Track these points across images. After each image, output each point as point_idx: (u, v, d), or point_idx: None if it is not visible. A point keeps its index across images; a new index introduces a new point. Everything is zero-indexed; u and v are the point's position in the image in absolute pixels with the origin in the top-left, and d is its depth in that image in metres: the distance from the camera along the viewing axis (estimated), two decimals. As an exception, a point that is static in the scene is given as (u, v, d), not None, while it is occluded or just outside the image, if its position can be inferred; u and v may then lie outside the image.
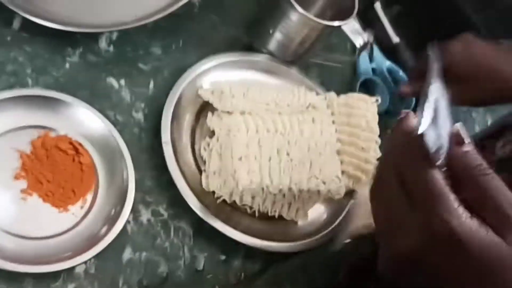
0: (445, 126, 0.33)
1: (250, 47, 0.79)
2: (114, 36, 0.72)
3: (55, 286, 0.55)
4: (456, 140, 0.32)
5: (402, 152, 0.34)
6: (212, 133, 0.69)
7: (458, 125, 0.33)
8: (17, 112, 0.61)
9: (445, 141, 0.32)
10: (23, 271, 0.52)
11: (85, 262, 0.56)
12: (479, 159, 0.32)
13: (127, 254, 0.59)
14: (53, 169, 0.59)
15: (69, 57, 0.68)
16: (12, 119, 0.60)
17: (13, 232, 0.55)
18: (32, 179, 0.58)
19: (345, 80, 0.85)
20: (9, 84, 0.63)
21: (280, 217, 0.66)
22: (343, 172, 0.67)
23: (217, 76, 0.73)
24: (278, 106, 0.70)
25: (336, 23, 0.71)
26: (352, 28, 0.70)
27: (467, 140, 0.32)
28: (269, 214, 0.66)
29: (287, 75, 0.78)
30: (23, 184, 0.58)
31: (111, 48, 0.71)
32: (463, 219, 0.31)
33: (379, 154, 0.70)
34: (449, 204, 0.31)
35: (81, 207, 0.59)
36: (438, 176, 0.32)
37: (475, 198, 0.31)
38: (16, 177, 0.58)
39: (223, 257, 0.63)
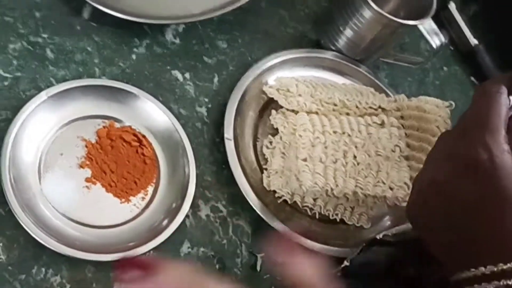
0: None
1: (318, 44, 0.77)
2: (181, 28, 0.71)
3: (113, 275, 0.55)
4: None
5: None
6: (275, 131, 0.67)
7: None
8: (85, 101, 0.61)
9: None
10: (84, 258, 0.53)
11: (145, 254, 0.55)
12: None
13: (185, 248, 0.59)
14: (116, 160, 0.59)
15: (136, 49, 0.68)
16: (79, 108, 0.61)
17: (76, 219, 0.56)
18: (96, 168, 0.59)
19: (416, 82, 0.82)
20: (78, 74, 0.64)
21: (342, 220, 0.64)
22: (411, 179, 0.64)
23: (282, 73, 0.71)
24: (346, 107, 0.67)
25: (413, 22, 0.67)
26: (428, 28, 0.66)
27: None
28: (331, 217, 0.64)
29: (355, 74, 0.75)
30: (87, 172, 0.58)
31: (177, 41, 0.71)
32: (505, 152, 0.35)
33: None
34: (497, 137, 0.35)
35: (143, 199, 0.59)
36: (502, 109, 0.37)
37: None
38: (81, 166, 0.58)
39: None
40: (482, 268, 0.33)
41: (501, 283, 0.32)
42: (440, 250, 0.38)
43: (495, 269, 0.32)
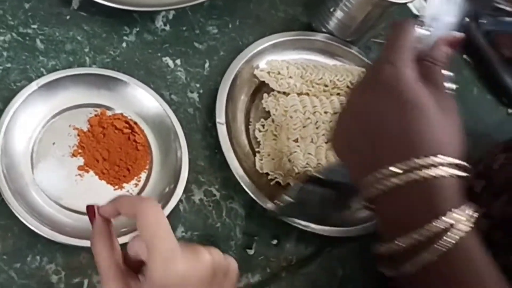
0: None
1: (308, 27, 0.77)
2: (171, 15, 0.71)
3: (109, 262, 0.56)
4: (448, 41, 0.44)
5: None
6: (267, 114, 0.67)
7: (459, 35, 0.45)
8: (76, 90, 0.61)
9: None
10: (79, 245, 0.53)
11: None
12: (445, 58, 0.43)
13: (179, 232, 0.59)
14: (108, 147, 0.60)
15: (126, 37, 0.68)
16: (70, 97, 0.61)
17: (70, 207, 0.56)
18: (88, 156, 0.59)
19: (408, 61, 0.81)
20: (68, 63, 0.64)
21: (336, 201, 0.64)
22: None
23: (273, 56, 0.71)
24: (336, 88, 0.67)
25: (403, 1, 0.67)
26: (419, 6, 0.66)
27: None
28: (324, 197, 0.64)
29: (347, 55, 0.75)
30: (80, 161, 0.59)
31: (167, 27, 0.70)
32: (408, 67, 0.39)
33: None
34: (401, 54, 0.40)
35: (136, 185, 0.59)
36: (408, 34, 0.41)
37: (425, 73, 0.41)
38: (74, 154, 0.59)
39: (275, 240, 0.62)
40: (398, 164, 0.37)
41: (413, 174, 0.36)
42: (359, 170, 0.40)
43: (411, 163, 0.36)
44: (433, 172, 0.36)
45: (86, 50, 0.65)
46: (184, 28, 0.71)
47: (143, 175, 0.60)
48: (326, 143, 0.61)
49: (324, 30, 0.75)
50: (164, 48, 0.69)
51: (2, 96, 0.59)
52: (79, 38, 0.66)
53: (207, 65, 0.70)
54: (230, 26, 0.74)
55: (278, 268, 0.60)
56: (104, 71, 0.63)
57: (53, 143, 0.59)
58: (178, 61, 0.69)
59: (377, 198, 0.38)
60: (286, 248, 0.62)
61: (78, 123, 0.60)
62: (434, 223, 0.35)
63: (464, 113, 0.79)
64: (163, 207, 0.57)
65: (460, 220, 0.35)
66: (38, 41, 0.64)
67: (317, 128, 0.62)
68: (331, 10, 0.73)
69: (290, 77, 0.65)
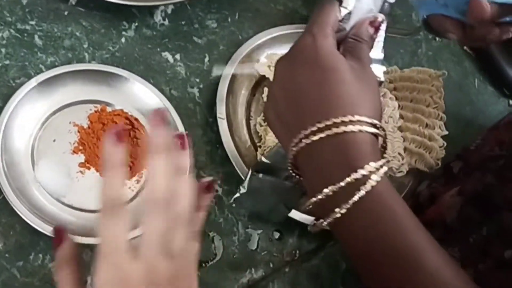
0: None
1: (308, 20, 0.76)
2: (169, 9, 0.70)
3: (111, 259, 0.55)
4: (370, 22, 0.46)
5: None
6: (268, 109, 0.67)
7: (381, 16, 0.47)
8: (75, 86, 0.61)
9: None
10: (81, 243, 0.53)
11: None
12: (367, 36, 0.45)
13: (182, 229, 0.59)
14: (109, 144, 0.59)
15: (125, 32, 0.68)
16: (70, 94, 0.61)
17: (71, 204, 0.56)
18: (89, 153, 0.59)
19: (408, 53, 0.81)
20: (67, 59, 0.63)
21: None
22: (405, 150, 0.63)
23: (273, 50, 0.71)
24: (337, 80, 0.67)
25: (400, -8, 0.66)
26: (422, -1, 0.65)
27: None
28: (327, 191, 0.64)
29: (347, 48, 0.74)
30: (80, 158, 0.58)
31: (166, 22, 0.70)
32: (327, 37, 0.42)
33: (444, 131, 0.66)
34: (322, 26, 0.43)
35: (137, 182, 0.59)
36: (330, 10, 0.44)
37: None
38: (74, 151, 0.58)
39: (277, 235, 0.62)
40: (316, 124, 0.39)
41: (330, 131, 0.39)
42: (287, 137, 0.42)
43: (328, 122, 0.39)
44: (347, 128, 0.38)
45: (85, 46, 0.65)
46: (183, 23, 0.71)
47: (145, 172, 0.60)
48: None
49: (324, 23, 0.75)
50: (164, 43, 0.68)
51: (1, 93, 0.59)
52: (77, 33, 0.65)
53: (207, 59, 0.69)
54: (229, 20, 0.73)
55: (281, 263, 0.60)
56: (103, 67, 0.62)
57: (54, 140, 0.58)
58: (177, 56, 0.68)
59: (299, 159, 0.41)
60: (289, 243, 0.62)
61: (78, 120, 0.60)
62: (351, 176, 0.37)
63: (465, 104, 0.80)
64: (165, 203, 0.57)
65: (373, 171, 0.38)
66: (36, 37, 0.63)
67: (318, 122, 0.61)
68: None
69: (291, 70, 0.65)
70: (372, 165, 0.37)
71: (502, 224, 0.44)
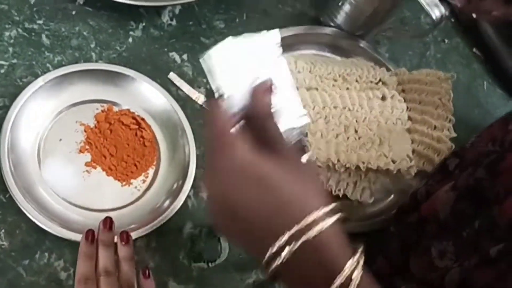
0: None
1: (317, 21, 0.76)
2: (177, 10, 0.70)
3: (117, 257, 0.55)
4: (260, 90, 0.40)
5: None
6: (275, 109, 0.66)
7: (269, 80, 0.41)
8: (82, 86, 0.61)
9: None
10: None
11: (147, 235, 0.55)
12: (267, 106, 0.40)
13: (188, 228, 0.58)
14: (116, 143, 0.59)
15: (132, 32, 0.67)
16: (77, 93, 0.61)
17: (78, 203, 0.56)
18: (96, 152, 0.58)
19: (417, 55, 0.80)
20: (74, 59, 0.63)
21: (344, 196, 0.64)
22: (413, 152, 0.63)
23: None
24: (346, 82, 0.66)
25: (409, -7, 0.66)
26: (428, 0, 0.65)
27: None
28: (333, 193, 0.63)
29: (355, 50, 0.74)
30: (87, 157, 0.58)
31: (174, 22, 0.70)
32: (238, 147, 0.38)
33: (453, 133, 0.65)
34: (228, 139, 0.38)
35: (143, 181, 0.59)
36: (223, 117, 0.39)
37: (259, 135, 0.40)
38: (81, 150, 0.58)
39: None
40: (277, 242, 0.36)
41: (297, 242, 0.35)
42: (252, 251, 0.39)
43: (291, 232, 0.35)
44: (312, 232, 0.35)
45: (92, 45, 0.65)
46: (190, 23, 0.71)
47: (151, 171, 0.60)
48: (335, 138, 0.60)
49: (332, 24, 0.74)
50: (171, 43, 0.68)
51: (8, 92, 0.59)
52: (85, 33, 0.65)
53: (214, 60, 0.69)
54: (237, 20, 0.73)
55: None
56: (110, 67, 0.62)
57: (60, 140, 0.58)
58: (184, 56, 0.68)
59: (277, 273, 0.37)
60: (296, 245, 0.61)
61: (85, 119, 0.60)
62: (336, 281, 0.35)
63: (473, 107, 0.80)
64: (171, 203, 0.57)
65: (354, 265, 0.35)
66: (44, 36, 0.63)
67: (326, 123, 0.61)
68: (340, 4, 0.72)
69: (299, 72, 0.65)
70: (350, 263, 0.35)
71: (492, 218, 0.44)
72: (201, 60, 0.41)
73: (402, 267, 0.52)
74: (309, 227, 0.35)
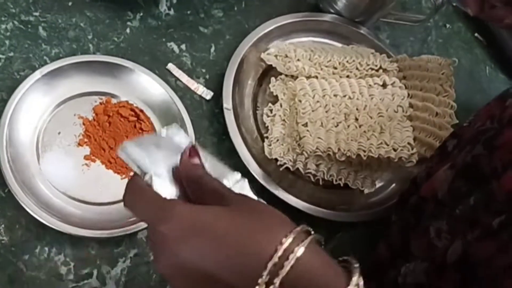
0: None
1: (316, 8, 0.75)
2: (175, -1, 0.70)
3: (118, 251, 0.55)
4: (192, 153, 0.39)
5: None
6: (275, 99, 0.66)
7: (191, 144, 0.41)
8: (80, 78, 0.60)
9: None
10: (87, 236, 0.52)
11: (147, 228, 0.55)
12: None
13: (189, 221, 0.58)
14: (115, 136, 0.59)
15: (130, 22, 0.67)
16: (74, 86, 0.60)
17: (77, 197, 0.55)
18: (94, 145, 0.58)
19: (418, 41, 0.79)
20: (71, 51, 0.63)
21: (346, 185, 0.63)
22: (415, 139, 0.62)
23: (280, 39, 0.70)
24: (346, 70, 0.66)
25: (409, -22, 0.65)
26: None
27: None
28: (334, 182, 0.63)
29: (356, 36, 0.73)
30: (86, 150, 0.58)
31: (172, 12, 0.69)
32: (187, 204, 0.35)
33: (455, 120, 0.65)
34: (174, 202, 0.36)
35: (143, 174, 0.58)
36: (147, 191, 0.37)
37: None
38: (80, 144, 0.58)
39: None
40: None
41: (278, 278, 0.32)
42: None
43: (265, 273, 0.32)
44: (289, 264, 0.31)
45: (90, 37, 0.64)
46: (188, 12, 0.70)
47: (151, 163, 0.59)
48: (336, 126, 0.60)
49: (332, 10, 0.74)
50: (169, 33, 0.68)
51: (5, 85, 0.58)
52: (82, 24, 0.65)
53: (212, 49, 0.68)
54: (235, 8, 0.72)
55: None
56: (108, 58, 0.62)
57: (59, 133, 0.58)
58: (183, 46, 0.67)
59: None
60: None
61: (83, 112, 0.59)
62: None
63: (475, 92, 0.79)
64: (172, 195, 0.56)
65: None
66: (40, 28, 0.63)
67: (326, 111, 0.60)
68: (339, -11, 0.71)
69: (298, 60, 0.64)
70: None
71: (489, 193, 0.44)
72: (119, 152, 0.39)
73: (403, 250, 0.52)
74: (282, 259, 0.31)
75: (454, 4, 0.82)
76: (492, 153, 0.46)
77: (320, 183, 0.62)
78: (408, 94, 0.66)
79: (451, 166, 0.50)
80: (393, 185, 0.65)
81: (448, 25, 0.83)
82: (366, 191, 0.64)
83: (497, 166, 0.44)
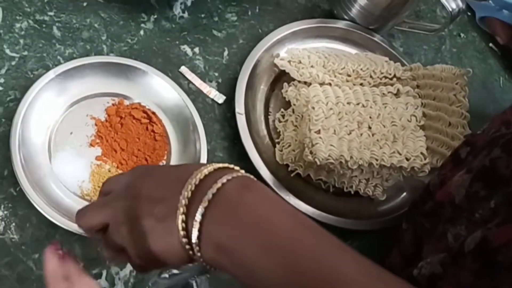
0: None
1: (330, 14, 0.75)
2: (189, 2, 0.70)
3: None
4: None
5: None
6: (287, 105, 0.66)
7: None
8: (93, 79, 0.60)
9: None
10: (97, 237, 0.52)
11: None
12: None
13: (198, 225, 0.58)
14: (126, 137, 0.59)
15: (144, 24, 0.67)
16: (87, 86, 0.60)
17: (89, 198, 0.55)
18: (106, 146, 0.58)
19: (432, 50, 0.79)
20: (85, 51, 0.63)
21: (356, 193, 0.63)
22: (427, 149, 0.62)
23: (294, 44, 0.70)
24: (360, 77, 0.65)
25: (426, -13, 0.65)
26: (443, -7, 0.64)
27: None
28: (345, 190, 0.63)
29: (369, 44, 0.73)
30: (98, 151, 0.58)
31: (186, 15, 0.69)
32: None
33: (467, 130, 0.64)
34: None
35: (154, 176, 0.58)
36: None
37: None
38: (92, 144, 0.58)
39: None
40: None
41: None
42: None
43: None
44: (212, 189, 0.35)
45: (103, 37, 0.64)
46: (202, 15, 0.70)
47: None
48: (348, 134, 0.59)
49: (346, 17, 0.73)
50: (182, 36, 0.68)
51: (19, 84, 0.58)
52: (96, 25, 0.65)
53: (226, 53, 0.68)
54: (249, 13, 0.72)
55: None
56: (121, 60, 0.62)
57: (71, 133, 0.58)
58: (196, 50, 0.67)
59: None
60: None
61: (96, 113, 0.60)
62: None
63: (489, 102, 0.78)
64: (182, 198, 0.56)
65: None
66: (55, 28, 0.63)
67: (339, 119, 0.60)
68: (354, -4, 0.71)
69: (312, 66, 0.64)
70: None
71: (509, 194, 0.43)
72: None
73: (415, 257, 0.52)
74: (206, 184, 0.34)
75: (469, 13, 0.81)
76: (511, 156, 0.46)
77: (331, 190, 0.62)
78: (422, 103, 0.65)
79: (467, 171, 0.50)
80: (404, 194, 0.65)
81: (462, 35, 0.83)
82: (376, 199, 0.63)
83: None
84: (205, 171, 0.36)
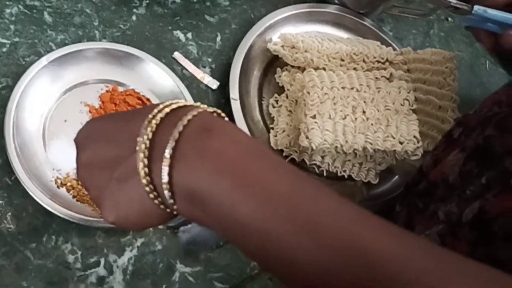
0: None
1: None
2: (181, -14, 0.69)
3: (125, 240, 0.55)
4: None
5: None
6: (280, 90, 0.66)
7: None
8: (86, 65, 0.60)
9: None
10: (94, 224, 0.52)
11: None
12: None
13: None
14: (121, 124, 0.58)
15: (136, 9, 0.66)
16: (81, 73, 0.59)
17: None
18: (101, 133, 0.58)
19: (421, 34, 0.80)
20: (77, 37, 0.62)
21: (349, 177, 0.64)
22: (420, 132, 0.63)
23: (286, 29, 0.70)
24: (353, 62, 0.66)
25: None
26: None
27: None
28: (338, 174, 0.63)
29: (360, 28, 0.74)
30: (92, 138, 0.57)
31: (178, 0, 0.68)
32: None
33: (457, 114, 0.65)
34: None
35: (149, 163, 0.58)
36: None
37: None
38: (86, 131, 0.57)
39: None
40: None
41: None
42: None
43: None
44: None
45: (95, 23, 0.63)
46: (195, 0, 0.69)
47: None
48: (343, 119, 0.60)
49: (337, 1, 0.73)
50: (175, 21, 0.67)
51: (10, 71, 0.57)
52: (87, 10, 0.64)
53: (218, 38, 0.68)
54: (241, -3, 0.72)
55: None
56: (114, 46, 0.61)
57: (65, 121, 0.57)
58: (189, 35, 0.67)
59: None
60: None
61: (90, 100, 0.59)
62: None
63: (475, 86, 0.80)
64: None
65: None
66: (46, 13, 0.62)
67: (334, 104, 0.60)
68: (344, -19, 0.71)
69: (306, 51, 0.64)
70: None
71: (502, 170, 0.45)
72: None
73: None
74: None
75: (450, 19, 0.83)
76: (504, 133, 0.47)
77: (324, 174, 0.63)
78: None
79: (461, 150, 0.51)
80: (396, 177, 0.66)
81: (450, 19, 0.83)
82: (369, 183, 0.64)
83: (510, 145, 0.45)
84: (154, 121, 0.32)
